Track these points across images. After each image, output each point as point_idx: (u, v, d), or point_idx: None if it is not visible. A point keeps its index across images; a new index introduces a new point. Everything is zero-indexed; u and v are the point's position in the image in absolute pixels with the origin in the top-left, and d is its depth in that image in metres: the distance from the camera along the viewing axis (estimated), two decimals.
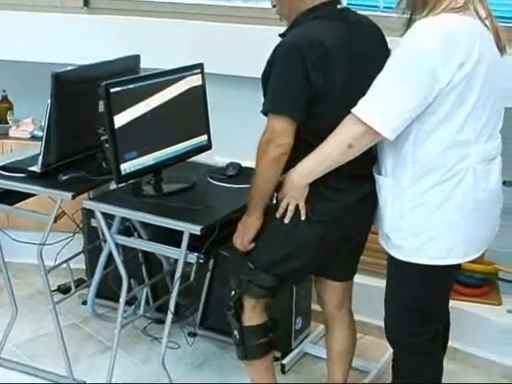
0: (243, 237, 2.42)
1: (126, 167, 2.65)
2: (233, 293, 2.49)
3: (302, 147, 2.25)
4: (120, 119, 2.62)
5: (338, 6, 2.37)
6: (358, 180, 2.35)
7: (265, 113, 2.26)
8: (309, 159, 2.27)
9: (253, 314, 2.51)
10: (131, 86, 2.65)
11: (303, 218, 2.33)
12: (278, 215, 2.36)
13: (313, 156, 2.26)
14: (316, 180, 2.29)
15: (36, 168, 2.88)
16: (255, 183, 2.33)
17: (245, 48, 3.46)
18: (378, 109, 2.14)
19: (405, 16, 2.24)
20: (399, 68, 2.13)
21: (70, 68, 2.86)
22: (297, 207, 2.34)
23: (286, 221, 2.34)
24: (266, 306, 2.55)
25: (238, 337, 2.53)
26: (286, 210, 2.35)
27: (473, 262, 3.16)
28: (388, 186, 2.29)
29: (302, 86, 2.19)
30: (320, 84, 2.20)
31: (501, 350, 3.16)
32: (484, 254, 3.22)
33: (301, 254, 2.39)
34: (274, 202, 2.43)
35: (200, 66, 2.94)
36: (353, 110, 2.16)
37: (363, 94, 2.16)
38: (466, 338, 3.19)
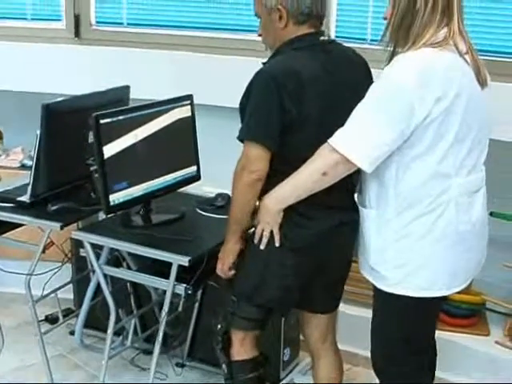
0: (223, 263, 2.43)
1: (115, 198, 2.66)
2: (219, 326, 2.49)
3: (275, 175, 2.27)
4: (109, 150, 2.63)
5: (322, 38, 2.39)
6: (332, 211, 2.37)
7: (241, 140, 2.29)
8: (283, 185, 2.29)
9: (241, 348, 2.50)
10: (121, 118, 2.67)
11: (277, 244, 2.35)
12: (254, 241, 2.37)
13: (287, 182, 2.28)
14: (290, 207, 2.31)
15: (25, 198, 2.88)
16: (231, 209, 2.36)
17: (234, 79, 3.44)
18: (355, 139, 2.16)
19: (389, 49, 2.27)
20: (377, 100, 2.16)
21: (60, 99, 2.88)
22: (272, 233, 2.35)
23: (262, 247, 2.35)
24: (256, 340, 2.54)
25: (226, 371, 2.53)
26: (261, 237, 2.36)
27: (460, 292, 3.19)
28: (372, 218, 2.30)
29: (276, 115, 2.22)
30: (294, 114, 2.23)
31: (489, 381, 3.15)
32: (471, 284, 3.24)
33: (277, 281, 2.39)
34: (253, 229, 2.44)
35: (189, 97, 2.96)
36: (329, 140, 2.18)
37: (341, 125, 2.18)
38: (454, 368, 3.18)
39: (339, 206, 2.38)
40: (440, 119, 2.12)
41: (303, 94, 2.24)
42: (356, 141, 2.16)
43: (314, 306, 2.61)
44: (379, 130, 2.13)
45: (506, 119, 2.89)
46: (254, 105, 2.26)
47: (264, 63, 2.38)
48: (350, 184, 2.37)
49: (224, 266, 2.44)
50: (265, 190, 2.32)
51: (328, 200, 2.31)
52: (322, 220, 2.36)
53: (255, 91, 2.26)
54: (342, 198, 2.39)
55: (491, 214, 3.04)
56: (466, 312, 3.34)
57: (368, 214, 2.32)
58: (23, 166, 3.90)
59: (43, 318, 3.54)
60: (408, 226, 2.23)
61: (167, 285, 2.62)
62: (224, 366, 2.52)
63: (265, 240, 2.35)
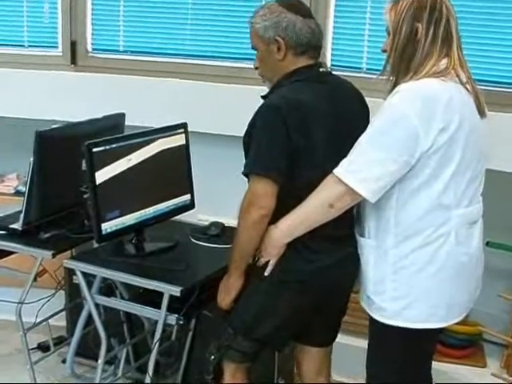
0: (225, 297, 2.40)
1: (108, 226, 2.64)
2: (212, 357, 2.47)
3: (280, 208, 2.25)
4: (101, 176, 2.61)
5: (321, 70, 2.40)
6: (337, 242, 2.35)
7: (246, 174, 2.27)
8: (289, 218, 2.27)
9: (233, 380, 2.48)
10: (114, 145, 2.65)
11: (266, 273, 2.33)
12: (265, 273, 2.34)
13: (293, 214, 2.26)
14: (295, 240, 2.29)
15: (17, 225, 2.86)
16: (236, 244, 2.33)
17: (228, 107, 3.49)
18: (359, 170, 2.15)
19: (390, 79, 2.27)
20: (380, 131, 2.16)
21: (54, 126, 2.87)
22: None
23: (266, 273, 2.33)
24: (248, 371, 2.52)
25: None
26: (263, 268, 2.34)
27: (457, 323, 3.19)
28: (371, 248, 2.29)
29: (283, 148, 2.21)
30: (301, 146, 2.22)
31: None
32: (468, 314, 3.21)
33: (278, 315, 2.37)
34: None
35: (184, 125, 2.95)
36: (334, 171, 2.17)
37: (343, 156, 2.18)
38: None
39: (343, 238, 2.37)
40: (443, 149, 2.12)
41: (307, 126, 2.24)
42: (361, 171, 2.15)
43: (312, 339, 2.59)
44: (383, 160, 2.13)
45: (502, 149, 2.88)
46: (259, 138, 2.24)
47: (263, 96, 2.38)
48: (351, 215, 2.36)
49: (225, 300, 2.41)
50: (269, 224, 2.29)
51: (332, 231, 2.29)
52: (328, 254, 2.34)
53: (260, 125, 2.24)
54: (345, 230, 2.37)
55: (487, 243, 3.03)
56: (463, 343, 3.32)
57: (367, 243, 2.31)
58: (18, 193, 3.89)
59: (35, 345, 3.51)
60: (407, 257, 2.22)
61: (159, 315, 2.59)
62: None
63: (270, 268, 2.33)
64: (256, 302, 2.37)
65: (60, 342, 3.43)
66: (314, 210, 2.23)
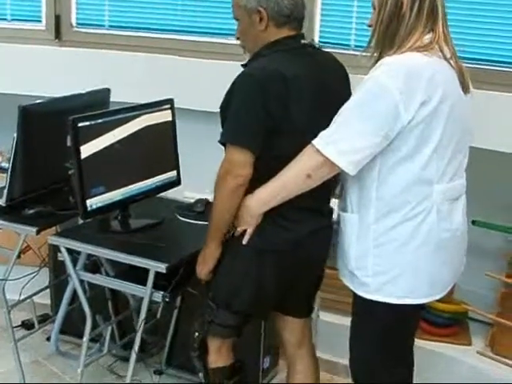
0: (203, 268, 2.40)
1: (93, 202, 2.61)
2: (196, 334, 2.46)
3: (257, 178, 2.24)
4: (86, 151, 2.58)
5: (302, 41, 2.37)
6: (313, 213, 2.36)
7: (223, 143, 2.26)
8: (266, 187, 2.25)
9: (218, 356, 2.47)
10: (100, 121, 2.63)
11: (244, 242, 2.32)
12: (243, 242, 2.33)
13: (270, 184, 2.25)
14: (272, 209, 2.28)
15: (1, 201, 2.83)
16: (213, 214, 2.32)
17: (214, 83, 3.41)
18: (338, 142, 2.14)
19: (374, 55, 2.25)
20: (361, 103, 2.15)
21: (38, 101, 2.83)
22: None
23: (244, 242, 2.32)
24: (233, 347, 2.51)
25: (203, 380, 2.50)
26: (239, 238, 2.33)
27: (442, 301, 3.19)
28: (353, 223, 2.29)
29: (260, 117, 2.19)
30: (279, 116, 2.21)
31: None
32: (453, 292, 3.23)
33: (256, 285, 2.36)
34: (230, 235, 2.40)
35: (170, 101, 2.92)
36: (313, 141, 2.16)
37: (322, 128, 2.17)
38: (435, 378, 3.14)
39: (320, 210, 2.38)
40: (424, 123, 2.11)
41: (288, 97, 2.21)
42: (340, 143, 2.14)
43: (289, 309, 2.59)
44: (363, 132, 2.12)
45: (488, 128, 2.87)
46: (236, 107, 2.22)
47: (243, 65, 2.36)
48: (328, 188, 2.35)
49: (204, 270, 2.40)
50: (247, 193, 2.28)
51: (310, 203, 2.29)
52: (303, 223, 2.34)
53: (238, 93, 2.22)
54: (322, 202, 2.38)
55: (473, 222, 3.03)
56: (448, 321, 3.32)
57: (349, 218, 2.30)
58: (1, 169, 3.83)
59: (19, 323, 3.49)
60: (389, 232, 2.22)
61: (144, 292, 2.58)
62: (201, 374, 2.49)
63: (247, 237, 2.32)
64: (234, 273, 2.37)
65: (44, 319, 3.40)
66: (292, 179, 2.22)
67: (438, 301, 3.11)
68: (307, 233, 2.34)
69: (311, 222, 2.35)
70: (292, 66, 2.25)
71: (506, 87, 3.07)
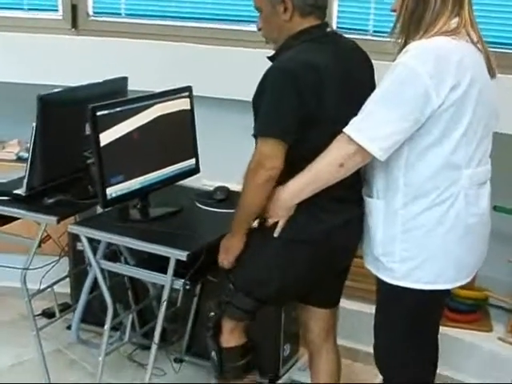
0: (226, 257, 2.40)
1: (112, 191, 2.61)
2: (212, 314, 2.47)
3: (288, 171, 2.23)
4: (106, 139, 2.57)
5: (327, 29, 2.36)
6: (345, 203, 2.35)
7: (255, 136, 2.25)
8: (299, 178, 2.25)
9: (231, 336, 2.48)
10: (118, 109, 2.62)
11: (276, 235, 2.32)
12: (275, 235, 2.32)
13: (303, 175, 2.24)
14: (305, 199, 2.27)
15: (21, 191, 2.83)
16: (242, 205, 2.31)
17: (233, 71, 3.45)
18: (370, 128, 2.14)
19: (399, 41, 2.23)
20: (391, 89, 2.13)
21: (56, 90, 2.83)
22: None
23: (276, 235, 2.32)
24: (246, 328, 2.52)
25: (215, 358, 2.51)
26: (270, 229, 2.33)
27: (464, 288, 3.18)
28: (379, 208, 2.27)
29: (294, 109, 2.18)
30: (313, 107, 2.20)
31: (491, 377, 3.12)
32: (475, 279, 3.21)
33: (284, 276, 2.36)
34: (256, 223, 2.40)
35: (188, 88, 2.91)
36: (345, 130, 2.16)
37: (351, 117, 2.16)
38: (456, 365, 3.16)
39: (351, 199, 2.36)
40: (454, 107, 2.11)
41: (320, 88, 2.20)
42: (371, 130, 2.13)
43: (317, 300, 2.59)
44: (394, 118, 2.11)
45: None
46: (269, 100, 2.21)
47: (270, 57, 2.34)
48: (359, 176, 2.34)
49: (226, 260, 2.41)
50: (277, 186, 2.28)
51: (342, 192, 2.28)
52: (337, 214, 2.33)
53: (270, 86, 2.21)
54: (354, 191, 2.36)
55: (495, 208, 3.01)
56: (470, 308, 3.32)
57: (375, 204, 2.29)
58: (20, 159, 3.86)
59: (40, 312, 3.51)
60: (417, 217, 2.21)
61: (165, 280, 2.58)
62: (213, 353, 2.50)
63: (279, 229, 2.32)
64: (262, 263, 2.37)
65: (64, 308, 3.42)
66: (325, 169, 2.21)
67: (460, 287, 3.13)
68: (341, 223, 2.34)
69: (344, 211, 2.35)
70: (320, 56, 2.24)
71: None
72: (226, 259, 2.40)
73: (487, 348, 3.17)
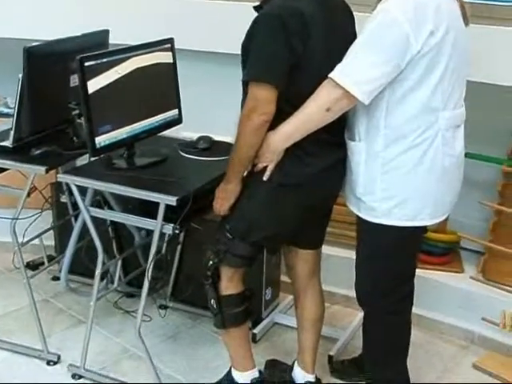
0: (223, 203, 2.45)
1: (101, 140, 2.67)
2: (210, 262, 2.53)
3: (277, 115, 2.29)
4: (92, 87, 2.61)
5: None
6: (331, 147, 2.43)
7: (246, 82, 2.30)
8: (288, 123, 2.31)
9: (230, 284, 2.56)
10: (105, 60, 2.66)
11: (265, 179, 2.39)
12: (264, 178, 2.39)
13: (291, 120, 2.31)
14: (294, 143, 2.34)
15: (7, 143, 2.87)
16: (237, 150, 2.36)
17: (215, 24, 3.47)
18: (354, 73, 2.23)
19: None
20: (373, 35, 2.23)
21: (40, 43, 2.85)
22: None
23: (265, 178, 2.39)
24: (243, 276, 2.60)
25: (215, 306, 2.58)
26: (260, 174, 2.40)
27: (436, 231, 3.32)
28: (361, 151, 2.38)
29: (284, 54, 2.24)
30: (300, 52, 2.26)
31: (464, 316, 3.27)
32: (447, 223, 3.35)
33: (277, 219, 2.45)
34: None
35: (170, 40, 2.96)
36: (330, 75, 2.24)
37: (336, 63, 2.24)
38: (430, 305, 3.30)
39: (335, 143, 2.44)
40: (432, 53, 2.21)
41: (307, 33, 2.26)
42: (355, 74, 2.23)
43: (305, 241, 2.68)
44: (376, 63, 2.21)
45: (483, 61, 2.94)
46: (260, 46, 2.26)
47: (256, 7, 2.39)
48: (343, 122, 2.43)
49: (224, 206, 2.46)
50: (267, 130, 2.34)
51: (327, 136, 2.36)
52: (322, 157, 2.41)
53: (260, 32, 2.26)
54: (338, 134, 2.45)
55: (466, 155, 3.12)
56: (442, 250, 3.45)
57: (357, 147, 2.39)
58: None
59: (24, 264, 3.55)
60: (396, 158, 2.32)
61: (155, 225, 2.65)
62: (213, 301, 2.58)
63: (268, 173, 2.38)
64: (255, 207, 2.44)
65: (49, 260, 3.46)
66: (313, 114, 2.29)
67: (432, 231, 3.27)
68: (324, 166, 2.41)
69: (330, 155, 2.43)
70: (305, 4, 2.29)
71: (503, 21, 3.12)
72: (223, 206, 2.45)
73: (459, 287, 3.30)
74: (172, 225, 2.62)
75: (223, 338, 2.73)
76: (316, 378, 2.84)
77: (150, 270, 2.70)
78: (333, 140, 2.42)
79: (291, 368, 2.86)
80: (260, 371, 2.76)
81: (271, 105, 2.26)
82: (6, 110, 3.78)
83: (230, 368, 2.75)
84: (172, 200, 2.54)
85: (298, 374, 2.83)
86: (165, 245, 3.01)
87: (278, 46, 2.23)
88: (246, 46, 2.31)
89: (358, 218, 2.47)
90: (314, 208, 2.51)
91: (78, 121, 2.93)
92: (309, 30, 2.26)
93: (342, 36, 2.34)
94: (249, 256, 2.52)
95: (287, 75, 2.26)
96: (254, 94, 2.27)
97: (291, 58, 2.25)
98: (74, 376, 2.93)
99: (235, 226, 2.48)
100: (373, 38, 2.23)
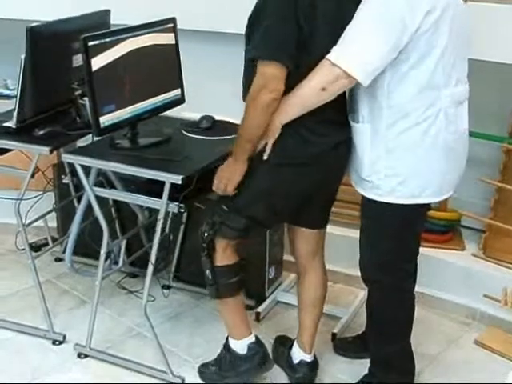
0: (229, 182, 2.43)
1: (105, 120, 2.67)
2: (206, 234, 2.54)
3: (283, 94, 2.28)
4: (96, 65, 2.61)
5: None
6: (335, 126, 2.43)
7: (253, 58, 2.28)
8: (284, 100, 2.30)
9: (224, 255, 2.58)
10: (108, 40, 2.66)
11: (265, 157, 2.39)
12: (264, 156, 2.38)
13: (289, 97, 2.30)
14: (295, 122, 2.34)
15: (11, 124, 2.87)
16: (245, 128, 2.34)
17: (218, 4, 3.47)
18: (352, 54, 2.24)
19: None
20: (370, 16, 2.24)
21: (43, 23, 2.85)
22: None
23: (265, 157, 2.39)
24: (237, 247, 2.61)
25: (210, 277, 2.60)
26: (260, 151, 2.40)
27: (438, 209, 3.34)
28: (366, 132, 2.39)
29: (293, 32, 2.23)
30: (306, 32, 2.25)
31: (465, 293, 3.30)
32: (448, 201, 3.37)
33: (273, 197, 2.45)
34: None
35: (173, 20, 2.96)
36: (328, 56, 2.24)
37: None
38: (432, 282, 3.32)
39: (341, 122, 2.45)
40: (431, 31, 2.22)
41: (314, 12, 2.25)
42: (354, 55, 2.23)
43: (309, 221, 2.68)
44: (375, 44, 2.21)
45: (484, 39, 2.95)
46: (268, 22, 2.22)
47: None
48: (345, 102, 2.43)
49: (230, 186, 2.44)
50: None
51: (332, 115, 2.37)
52: (325, 137, 2.41)
53: (269, 8, 2.23)
54: (342, 116, 2.45)
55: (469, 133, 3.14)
56: (443, 228, 3.48)
57: (361, 128, 2.40)
58: None
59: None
60: (400, 136, 2.33)
61: (160, 204, 2.65)
62: (208, 271, 2.60)
63: (268, 151, 2.39)
64: (253, 184, 2.44)
65: (52, 241, 3.49)
66: (308, 92, 2.29)
67: (434, 209, 3.29)
68: (327, 146, 2.41)
69: (334, 134, 2.43)
70: None
71: None
72: (228, 185, 2.43)
73: (460, 265, 3.33)
74: (176, 203, 2.63)
75: (219, 308, 2.75)
76: (314, 357, 2.84)
77: (155, 249, 2.71)
78: (337, 120, 2.43)
79: (291, 346, 2.87)
80: (257, 336, 2.74)
81: (280, 82, 2.24)
82: (6, 92, 3.77)
83: (227, 338, 2.75)
84: (177, 179, 2.55)
85: (296, 352, 2.83)
86: (168, 224, 3.03)
87: (287, 24, 2.22)
88: (253, 19, 2.29)
89: (363, 197, 2.49)
90: (315, 189, 2.51)
91: (81, 101, 2.94)
92: (316, 10, 2.26)
93: (346, 14, 2.28)
94: (243, 228, 2.52)
95: (296, 53, 2.25)
96: (263, 71, 2.25)
97: (299, 35, 2.24)
98: (79, 355, 2.94)
99: (233, 201, 2.48)
100: (369, 19, 2.23)
